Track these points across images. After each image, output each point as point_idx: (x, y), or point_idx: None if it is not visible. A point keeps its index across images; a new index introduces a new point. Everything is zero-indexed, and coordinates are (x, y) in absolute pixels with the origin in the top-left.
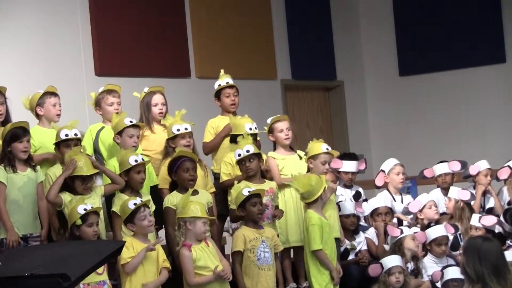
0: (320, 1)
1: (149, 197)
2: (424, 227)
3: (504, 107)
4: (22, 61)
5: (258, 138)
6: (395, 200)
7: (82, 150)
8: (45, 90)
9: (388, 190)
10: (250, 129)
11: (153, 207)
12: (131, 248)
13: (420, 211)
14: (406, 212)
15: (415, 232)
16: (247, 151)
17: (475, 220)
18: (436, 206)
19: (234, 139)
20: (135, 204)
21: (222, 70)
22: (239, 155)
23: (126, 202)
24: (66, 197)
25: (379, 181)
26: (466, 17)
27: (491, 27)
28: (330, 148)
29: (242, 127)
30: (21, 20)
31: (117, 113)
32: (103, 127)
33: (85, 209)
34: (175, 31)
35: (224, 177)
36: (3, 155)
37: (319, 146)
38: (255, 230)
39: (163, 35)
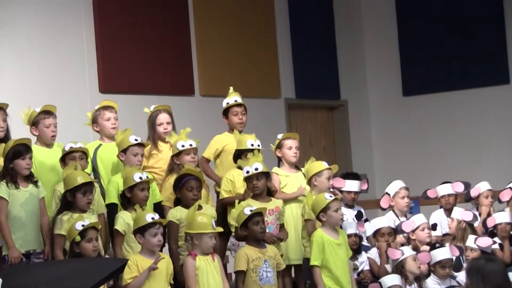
0: (324, 21)
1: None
2: (417, 248)
3: (508, 128)
4: (25, 77)
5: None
6: (400, 221)
7: (76, 167)
8: (41, 108)
9: (393, 211)
10: (252, 145)
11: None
12: (135, 267)
13: (413, 231)
14: (400, 230)
15: (418, 253)
16: (256, 169)
17: (470, 241)
18: (430, 229)
19: (237, 156)
20: (152, 218)
21: (231, 88)
22: (247, 172)
23: (144, 213)
24: (65, 217)
25: (384, 204)
26: (470, 38)
27: (495, 48)
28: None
29: (244, 143)
30: (25, 36)
31: (114, 128)
32: (100, 145)
33: (83, 225)
34: (180, 49)
35: (224, 194)
36: (4, 171)
37: (320, 164)
38: (258, 250)
39: (167, 52)
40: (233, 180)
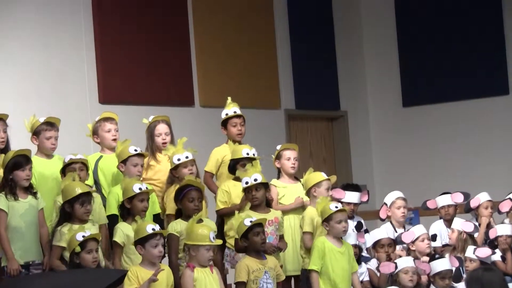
0: (324, 31)
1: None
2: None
3: (507, 138)
4: (25, 88)
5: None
6: (396, 232)
7: (74, 179)
8: (45, 119)
9: (391, 222)
10: (248, 153)
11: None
12: (135, 279)
13: (413, 242)
14: (399, 241)
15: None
16: (255, 179)
17: (470, 252)
18: (429, 240)
19: (233, 166)
20: (153, 229)
21: (229, 98)
22: (247, 182)
23: (145, 224)
24: (65, 229)
25: (382, 214)
26: (469, 49)
27: (494, 59)
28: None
29: (239, 152)
30: (25, 47)
31: (114, 139)
32: (101, 156)
33: (83, 236)
34: (180, 60)
35: (220, 205)
36: (4, 182)
37: (319, 174)
38: (258, 261)
39: (167, 63)
40: (229, 191)
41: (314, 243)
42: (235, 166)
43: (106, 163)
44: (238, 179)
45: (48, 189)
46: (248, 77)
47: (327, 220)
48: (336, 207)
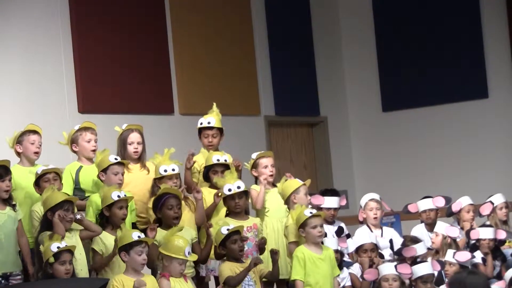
0: (303, 38)
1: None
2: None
3: (487, 142)
4: (4, 99)
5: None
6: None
7: (54, 189)
8: (25, 128)
9: (367, 225)
10: (218, 160)
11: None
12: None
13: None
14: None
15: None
16: (238, 187)
17: (449, 255)
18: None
19: (206, 173)
20: (139, 236)
21: (214, 104)
22: (229, 190)
23: (131, 232)
24: (47, 236)
25: (360, 216)
26: (448, 52)
27: (473, 63)
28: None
29: (210, 159)
30: (3, 58)
31: (94, 150)
32: (81, 167)
33: (58, 247)
34: (159, 68)
35: None
36: None
37: (295, 181)
38: (238, 264)
39: (146, 72)
40: (205, 198)
41: (294, 253)
42: (208, 173)
43: (87, 173)
44: (213, 186)
45: (29, 197)
46: (228, 84)
47: (302, 226)
48: (311, 212)
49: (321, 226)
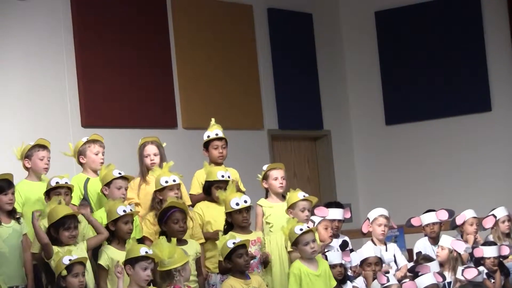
0: (306, 52)
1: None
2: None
3: (490, 155)
4: (8, 112)
5: (244, 189)
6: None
7: (60, 202)
8: (35, 142)
9: (372, 240)
10: (223, 176)
11: None
12: None
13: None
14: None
15: (403, 283)
16: (245, 201)
17: (458, 273)
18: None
19: (207, 187)
20: (146, 252)
21: (212, 120)
22: (237, 204)
23: (139, 246)
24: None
25: (364, 228)
26: (451, 66)
27: (477, 77)
28: (307, 195)
29: (214, 175)
30: (7, 71)
31: (102, 163)
32: (88, 179)
33: (70, 260)
34: (162, 82)
35: None
36: None
37: (296, 195)
38: (242, 281)
39: (150, 86)
40: (201, 213)
41: (290, 269)
42: (210, 187)
43: (94, 185)
44: (212, 200)
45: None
46: (231, 98)
47: (295, 244)
48: (301, 229)
49: (313, 241)
